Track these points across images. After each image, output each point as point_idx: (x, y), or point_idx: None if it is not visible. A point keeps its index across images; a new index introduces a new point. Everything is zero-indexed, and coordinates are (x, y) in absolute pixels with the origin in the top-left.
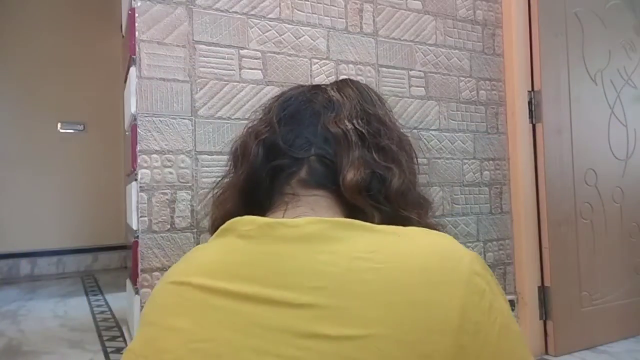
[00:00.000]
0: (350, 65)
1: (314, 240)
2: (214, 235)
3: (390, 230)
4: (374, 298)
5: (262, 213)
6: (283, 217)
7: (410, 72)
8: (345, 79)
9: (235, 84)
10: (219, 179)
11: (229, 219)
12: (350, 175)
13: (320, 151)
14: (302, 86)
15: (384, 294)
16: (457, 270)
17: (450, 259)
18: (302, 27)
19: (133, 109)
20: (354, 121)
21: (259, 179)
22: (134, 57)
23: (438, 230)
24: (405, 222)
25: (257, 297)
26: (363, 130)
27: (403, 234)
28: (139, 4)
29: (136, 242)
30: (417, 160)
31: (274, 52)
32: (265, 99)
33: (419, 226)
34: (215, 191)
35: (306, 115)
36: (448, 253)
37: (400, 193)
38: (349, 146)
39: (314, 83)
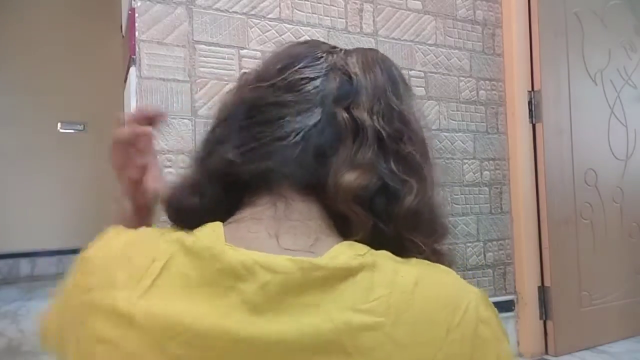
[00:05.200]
0: None
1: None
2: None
3: (390, 268)
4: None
5: (234, 205)
6: (277, 231)
7: (410, 72)
8: (374, 51)
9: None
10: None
11: (187, 208)
12: (352, 176)
13: (318, 141)
14: (318, 46)
15: (391, 355)
16: (464, 322)
17: (457, 309)
18: (302, 27)
19: (133, 109)
20: (375, 117)
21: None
22: (134, 57)
23: (447, 261)
24: (404, 246)
25: None
26: (383, 132)
27: (404, 273)
28: (139, 4)
29: None
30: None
31: None
32: None
33: (421, 254)
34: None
35: (309, 90)
36: (454, 300)
37: (411, 213)
38: (361, 144)
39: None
